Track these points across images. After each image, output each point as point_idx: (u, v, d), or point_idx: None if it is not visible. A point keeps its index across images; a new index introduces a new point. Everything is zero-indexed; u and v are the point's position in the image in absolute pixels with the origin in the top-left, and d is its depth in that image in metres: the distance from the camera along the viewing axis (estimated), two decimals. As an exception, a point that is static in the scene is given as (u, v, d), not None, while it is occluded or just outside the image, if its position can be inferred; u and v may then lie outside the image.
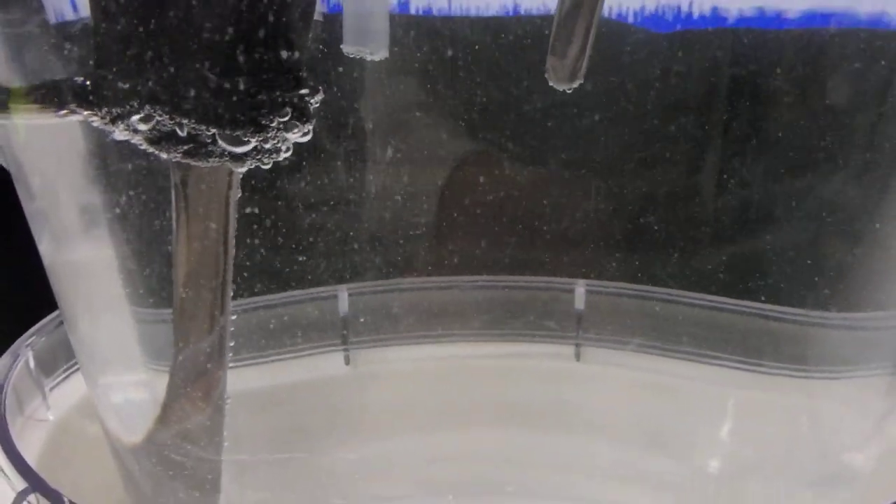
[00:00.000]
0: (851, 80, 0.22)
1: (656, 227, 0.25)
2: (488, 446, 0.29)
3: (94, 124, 0.20)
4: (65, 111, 0.20)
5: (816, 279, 0.24)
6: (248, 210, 0.24)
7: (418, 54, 0.24)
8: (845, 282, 0.23)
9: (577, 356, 0.29)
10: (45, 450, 0.24)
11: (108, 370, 0.24)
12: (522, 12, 0.24)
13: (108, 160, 0.21)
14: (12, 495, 0.20)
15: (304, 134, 0.20)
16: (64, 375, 0.27)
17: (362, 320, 0.29)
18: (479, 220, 0.27)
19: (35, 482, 0.20)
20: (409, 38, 0.24)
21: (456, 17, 0.24)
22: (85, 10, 0.19)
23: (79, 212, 0.22)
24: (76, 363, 0.27)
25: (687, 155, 0.24)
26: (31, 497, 0.19)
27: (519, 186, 0.26)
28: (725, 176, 0.24)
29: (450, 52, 0.24)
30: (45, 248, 0.22)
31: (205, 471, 0.23)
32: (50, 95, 0.21)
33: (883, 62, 0.22)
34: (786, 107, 0.23)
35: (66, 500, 0.19)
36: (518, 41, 0.24)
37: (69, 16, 0.20)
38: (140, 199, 0.22)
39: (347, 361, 0.29)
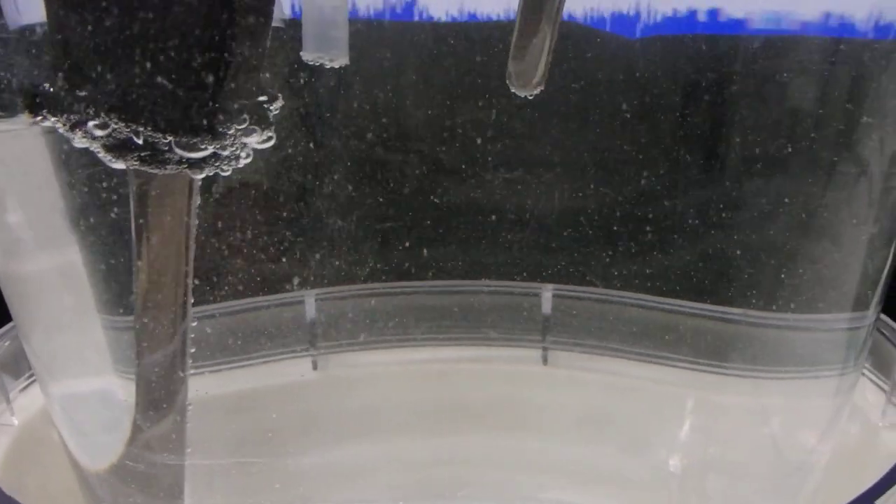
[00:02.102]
0: (815, 85, 0.22)
1: (620, 232, 0.25)
2: (455, 450, 0.29)
3: (60, 131, 0.19)
4: (40, 118, 0.20)
5: (769, 282, 0.24)
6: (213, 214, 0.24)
7: (380, 60, 0.24)
8: (796, 284, 0.23)
9: (544, 360, 0.29)
10: (9, 455, 0.24)
11: (63, 381, 0.24)
12: (480, 18, 0.24)
13: (64, 167, 0.21)
14: None
15: (265, 140, 0.20)
16: (29, 381, 0.27)
17: (330, 325, 0.29)
18: (446, 225, 0.27)
19: None
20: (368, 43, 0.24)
21: (415, 23, 0.24)
22: (35, 16, 0.19)
23: (30, 221, 0.22)
24: None
25: (648, 161, 0.24)
26: None
27: (485, 191, 0.26)
28: (685, 181, 0.24)
29: (410, 58, 0.24)
30: None
31: (167, 477, 0.23)
32: (6, 101, 0.21)
33: (846, 68, 0.22)
34: (747, 112, 0.23)
35: None
36: (479, 46, 0.24)
37: (26, 21, 0.20)
38: (97, 206, 0.21)
39: (315, 366, 0.29)
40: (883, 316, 0.26)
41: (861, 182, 0.22)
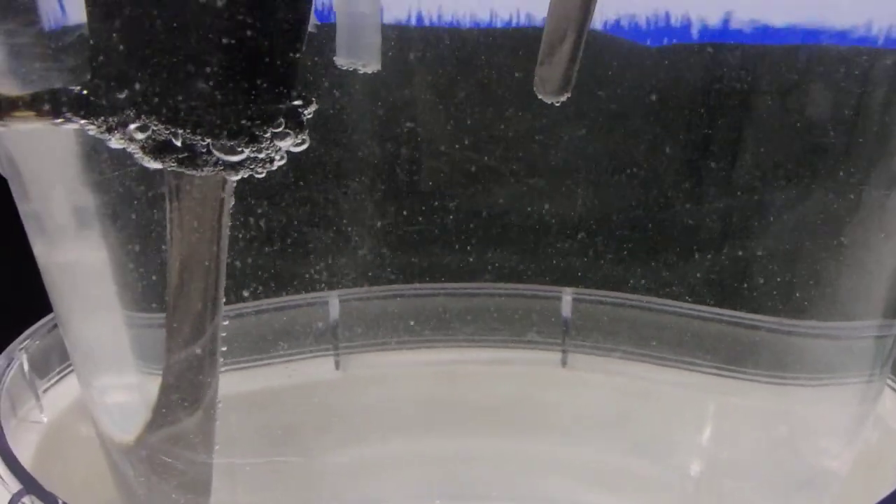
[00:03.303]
0: (832, 96, 0.23)
1: (641, 238, 0.26)
2: (475, 450, 0.30)
3: (91, 133, 0.20)
4: (61, 119, 0.20)
5: (794, 289, 0.24)
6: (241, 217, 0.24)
7: (412, 65, 0.25)
8: (822, 292, 0.24)
9: (563, 362, 0.30)
10: (39, 451, 0.24)
11: (101, 372, 0.24)
12: (508, 24, 0.25)
13: (103, 165, 0.22)
14: (7, 497, 0.20)
15: (299, 143, 0.20)
16: (57, 378, 0.28)
17: (353, 326, 0.29)
18: (468, 230, 0.27)
19: (29, 484, 0.20)
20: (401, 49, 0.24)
21: (449, 28, 0.24)
22: (79, 18, 0.19)
23: (72, 215, 0.22)
24: (69, 366, 0.28)
25: (669, 169, 0.25)
26: (26, 499, 0.20)
27: (509, 197, 0.27)
28: (707, 189, 0.24)
29: (442, 63, 0.25)
30: (39, 250, 0.23)
31: (196, 473, 0.23)
32: (47, 104, 0.21)
33: (861, 79, 0.22)
34: (768, 122, 0.23)
35: (59, 501, 0.19)
36: (509, 53, 0.25)
37: (64, 25, 0.21)
38: (134, 203, 0.22)
39: (338, 366, 0.30)
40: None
41: (891, 194, 0.23)
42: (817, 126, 0.23)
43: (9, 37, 0.21)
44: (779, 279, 0.24)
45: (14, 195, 0.23)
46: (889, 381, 0.26)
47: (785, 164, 0.23)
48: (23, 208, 0.23)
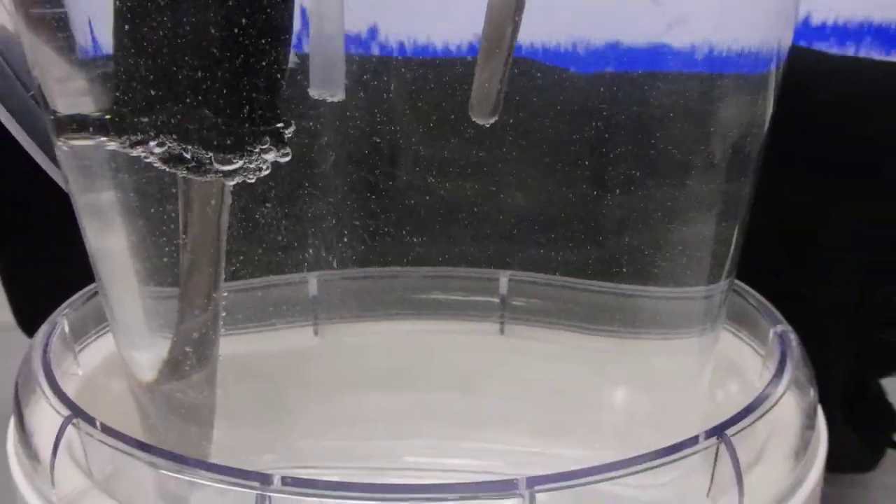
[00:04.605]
0: (684, 112, 0.26)
1: (560, 230, 0.30)
2: (430, 403, 0.33)
3: (110, 147, 0.23)
4: (96, 138, 0.24)
5: (655, 264, 0.28)
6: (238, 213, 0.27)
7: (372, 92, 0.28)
8: (671, 266, 0.28)
9: (501, 331, 0.34)
10: (76, 396, 0.26)
11: (131, 331, 0.28)
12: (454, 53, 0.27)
13: (135, 173, 0.25)
14: (59, 422, 0.25)
15: (282, 156, 0.23)
16: (93, 339, 0.31)
17: (329, 301, 0.33)
18: (425, 222, 0.30)
19: (76, 410, 0.25)
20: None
21: (398, 58, 0.28)
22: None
23: (113, 210, 0.26)
24: (100, 330, 0.32)
25: (576, 175, 0.28)
26: (74, 420, 0.24)
27: (455, 196, 0.30)
28: (596, 192, 0.28)
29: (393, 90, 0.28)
30: (90, 236, 0.26)
31: (202, 411, 0.27)
32: (79, 126, 0.24)
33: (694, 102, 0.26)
34: (634, 138, 0.27)
35: (97, 423, 0.24)
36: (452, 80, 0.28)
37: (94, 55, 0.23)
38: (155, 203, 0.25)
39: (316, 333, 0.33)
40: (767, 303, 0.31)
41: (713, 184, 0.26)
42: (665, 136, 0.26)
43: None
44: (645, 257, 0.28)
45: (71, 197, 0.26)
46: (750, 343, 0.31)
47: (655, 172, 0.27)
48: (77, 202, 0.26)
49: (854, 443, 0.38)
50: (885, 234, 0.34)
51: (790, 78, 0.27)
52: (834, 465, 0.28)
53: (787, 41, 0.26)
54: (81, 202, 0.26)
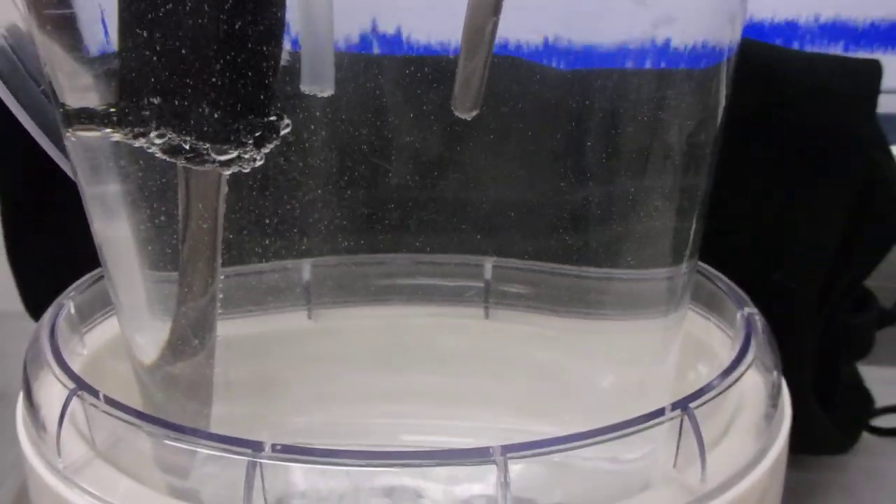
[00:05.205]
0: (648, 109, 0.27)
1: (543, 219, 0.31)
2: (418, 384, 0.35)
3: (114, 139, 0.24)
4: (101, 130, 0.25)
5: (622, 249, 0.30)
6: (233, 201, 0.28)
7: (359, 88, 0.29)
8: (636, 249, 0.29)
9: (486, 315, 0.35)
10: (81, 373, 0.27)
11: (135, 315, 0.29)
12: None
13: (137, 164, 0.26)
14: (65, 395, 0.26)
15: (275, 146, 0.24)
16: (98, 321, 0.33)
17: (321, 286, 0.34)
18: (414, 212, 0.32)
19: (80, 383, 0.26)
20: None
21: (388, 55, 0.29)
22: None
23: (118, 200, 0.27)
24: (104, 313, 0.33)
25: (551, 167, 0.29)
26: (79, 393, 0.25)
27: (442, 189, 0.31)
28: (573, 184, 0.29)
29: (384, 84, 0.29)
30: (97, 226, 0.28)
31: (200, 389, 0.29)
32: (86, 118, 0.25)
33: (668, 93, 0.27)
34: (607, 132, 0.28)
35: (101, 395, 0.25)
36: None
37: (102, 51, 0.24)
38: (156, 192, 0.26)
39: (310, 316, 0.34)
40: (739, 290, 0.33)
41: (671, 175, 0.28)
42: (632, 133, 0.27)
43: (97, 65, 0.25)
44: (614, 244, 0.30)
45: (78, 184, 0.27)
46: (723, 327, 0.33)
47: (615, 162, 0.28)
48: (85, 192, 0.27)
49: (827, 426, 0.40)
50: (850, 219, 0.35)
51: (759, 72, 0.28)
52: (807, 447, 0.29)
53: (736, 36, 0.27)
54: (89, 191, 0.27)
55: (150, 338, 0.29)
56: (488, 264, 0.34)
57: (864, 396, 0.43)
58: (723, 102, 0.28)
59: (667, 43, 0.26)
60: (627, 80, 0.27)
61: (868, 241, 0.36)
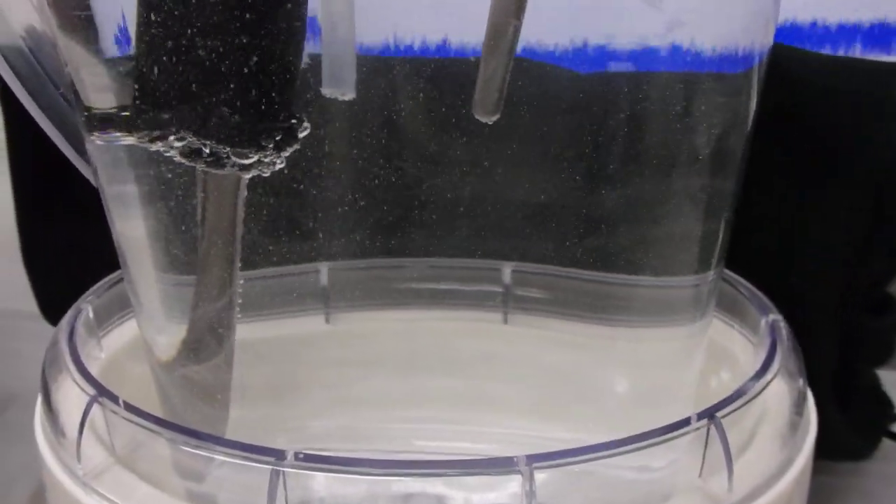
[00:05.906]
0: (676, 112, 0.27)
1: (562, 225, 0.31)
2: (436, 388, 0.34)
3: (127, 142, 0.24)
4: (121, 133, 0.25)
5: (649, 255, 0.29)
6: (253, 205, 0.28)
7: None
8: (663, 256, 0.29)
9: (505, 320, 0.35)
10: (98, 377, 0.27)
11: (154, 318, 0.29)
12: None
13: (160, 166, 0.26)
14: (85, 401, 0.26)
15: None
16: (116, 325, 0.33)
17: (339, 290, 0.34)
18: (432, 215, 0.31)
19: (101, 389, 0.26)
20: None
21: (409, 58, 0.28)
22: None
23: (138, 202, 0.27)
24: (122, 316, 0.33)
25: (573, 171, 0.29)
26: (100, 399, 0.25)
27: (462, 192, 0.31)
28: (590, 189, 0.29)
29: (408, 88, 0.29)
30: (118, 227, 0.27)
31: (219, 392, 0.28)
32: (109, 122, 0.25)
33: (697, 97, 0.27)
34: (632, 135, 0.28)
35: (121, 401, 0.25)
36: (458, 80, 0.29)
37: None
38: (176, 195, 0.26)
39: (328, 320, 0.34)
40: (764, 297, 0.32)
41: (700, 179, 0.28)
42: (655, 136, 0.27)
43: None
44: (639, 249, 0.29)
45: (99, 188, 0.28)
46: (745, 333, 0.32)
47: (638, 166, 0.27)
48: (105, 193, 0.27)
49: (846, 431, 0.39)
50: (869, 222, 0.35)
51: (779, 76, 0.28)
52: (826, 453, 0.29)
53: (768, 40, 0.27)
54: (111, 194, 0.27)
55: (170, 340, 0.29)
56: (507, 269, 0.34)
57: (884, 402, 0.43)
58: (754, 108, 0.28)
59: (698, 47, 0.26)
60: (654, 84, 0.27)
61: (884, 243, 0.36)
